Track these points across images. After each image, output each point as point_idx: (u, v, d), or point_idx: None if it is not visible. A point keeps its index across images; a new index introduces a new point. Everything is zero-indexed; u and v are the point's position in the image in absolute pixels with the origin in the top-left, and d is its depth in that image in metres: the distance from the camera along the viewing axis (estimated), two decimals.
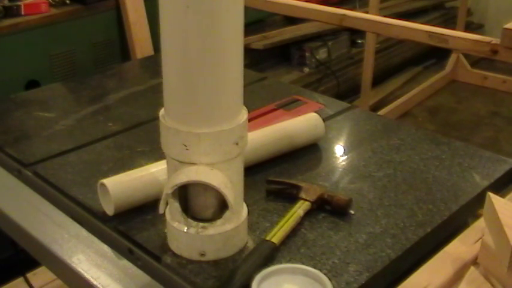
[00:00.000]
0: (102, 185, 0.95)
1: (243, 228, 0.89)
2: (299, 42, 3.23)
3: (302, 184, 1.00)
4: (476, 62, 3.68)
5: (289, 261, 0.86)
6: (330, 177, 1.08)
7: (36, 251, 1.02)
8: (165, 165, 0.87)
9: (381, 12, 2.82)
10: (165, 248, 0.88)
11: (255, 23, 3.10)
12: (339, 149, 1.19)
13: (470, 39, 1.57)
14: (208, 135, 0.79)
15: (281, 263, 0.85)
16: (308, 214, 0.95)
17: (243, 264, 0.83)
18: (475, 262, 0.87)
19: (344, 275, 0.83)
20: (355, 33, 3.39)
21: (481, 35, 1.62)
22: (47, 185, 1.07)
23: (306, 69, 3.22)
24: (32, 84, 2.04)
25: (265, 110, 1.34)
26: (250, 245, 0.89)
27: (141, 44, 2.25)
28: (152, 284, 0.88)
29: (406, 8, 3.88)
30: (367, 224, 0.95)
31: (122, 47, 2.32)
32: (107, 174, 0.99)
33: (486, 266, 0.85)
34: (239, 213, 0.87)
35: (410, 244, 0.90)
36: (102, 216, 0.97)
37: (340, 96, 3.06)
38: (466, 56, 3.57)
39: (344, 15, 1.85)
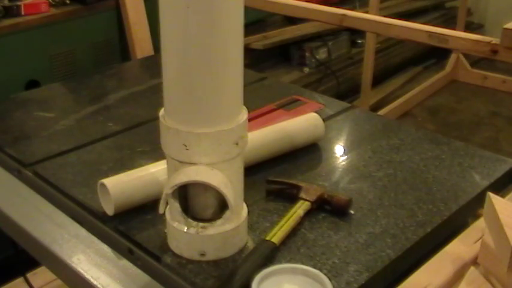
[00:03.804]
0: (102, 185, 0.95)
1: (243, 228, 0.89)
2: (299, 42, 3.23)
3: (302, 184, 1.00)
4: (476, 62, 3.68)
5: (289, 261, 0.86)
6: (330, 177, 1.08)
7: (36, 251, 1.02)
8: (165, 165, 0.87)
9: (381, 12, 2.81)
10: (165, 248, 0.88)
11: (255, 23, 3.10)
12: (339, 149, 1.19)
13: (470, 39, 1.57)
14: (208, 135, 0.79)
15: (281, 263, 0.85)
16: (308, 214, 0.95)
17: (243, 264, 0.83)
18: (475, 262, 0.87)
19: (344, 275, 0.83)
20: (355, 33, 3.39)
21: (481, 35, 1.62)
22: (47, 185, 1.07)
23: (306, 69, 3.22)
24: (32, 84, 2.04)
25: (265, 110, 1.34)
26: (250, 245, 0.89)
27: (141, 44, 2.25)
28: (152, 284, 0.88)
29: (406, 8, 3.88)
30: (367, 224, 0.95)
31: (122, 47, 2.32)
32: (106, 174, 0.99)
33: (486, 266, 0.85)
34: (239, 213, 0.87)
35: (410, 244, 0.90)
36: (102, 216, 0.97)
37: (340, 96, 3.06)
38: (466, 56, 3.57)
39: (344, 15, 1.85)
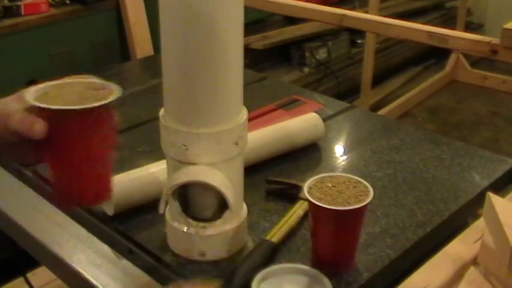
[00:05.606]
0: None
1: (243, 228, 0.89)
2: (299, 42, 3.23)
3: (302, 184, 1.00)
4: (476, 62, 3.68)
5: (289, 261, 0.86)
6: None
7: (36, 251, 1.02)
8: (165, 165, 0.87)
9: (381, 12, 2.81)
10: (165, 248, 0.88)
11: (255, 23, 3.10)
12: (338, 149, 1.19)
13: (470, 39, 1.58)
14: (208, 135, 0.79)
15: (281, 263, 0.85)
16: (308, 214, 0.95)
17: (243, 264, 0.83)
18: (475, 262, 0.87)
19: (344, 275, 0.83)
20: (355, 33, 3.39)
21: (481, 35, 1.62)
22: (47, 185, 1.07)
23: (306, 69, 3.22)
24: (32, 84, 2.04)
25: (265, 110, 1.34)
26: (250, 245, 0.89)
27: (141, 44, 2.25)
28: (152, 284, 0.88)
29: (406, 8, 3.88)
30: (367, 224, 0.94)
31: (122, 47, 2.32)
32: None
33: (486, 266, 0.85)
34: (239, 213, 0.87)
35: (410, 244, 0.90)
36: (102, 216, 0.97)
37: (340, 96, 3.07)
38: (466, 56, 3.57)
39: (344, 15, 1.85)
